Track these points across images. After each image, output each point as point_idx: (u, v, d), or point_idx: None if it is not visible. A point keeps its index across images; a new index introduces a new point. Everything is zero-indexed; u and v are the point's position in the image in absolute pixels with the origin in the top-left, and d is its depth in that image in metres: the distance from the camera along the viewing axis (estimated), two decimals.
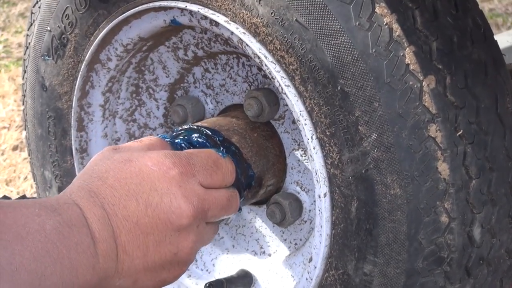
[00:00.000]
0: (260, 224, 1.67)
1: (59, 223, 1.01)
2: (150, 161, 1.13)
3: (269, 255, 1.65)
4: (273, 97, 1.50)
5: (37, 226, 0.98)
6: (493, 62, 1.27)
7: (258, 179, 1.50)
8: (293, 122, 1.51)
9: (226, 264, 1.70)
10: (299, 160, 1.53)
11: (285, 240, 1.62)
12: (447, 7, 1.23)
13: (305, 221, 1.55)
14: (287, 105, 1.49)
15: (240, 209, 1.43)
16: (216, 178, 1.20)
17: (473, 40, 1.24)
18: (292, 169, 1.54)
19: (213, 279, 1.65)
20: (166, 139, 1.30)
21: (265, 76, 1.55)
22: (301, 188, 1.54)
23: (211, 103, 1.67)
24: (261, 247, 1.67)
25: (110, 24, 1.55)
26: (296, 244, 1.60)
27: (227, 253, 1.72)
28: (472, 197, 1.21)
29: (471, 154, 1.20)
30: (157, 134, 1.78)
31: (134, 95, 1.73)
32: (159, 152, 1.15)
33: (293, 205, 1.52)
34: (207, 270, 1.73)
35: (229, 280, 1.63)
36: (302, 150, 1.52)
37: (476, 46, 1.24)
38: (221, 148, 1.35)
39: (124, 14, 1.52)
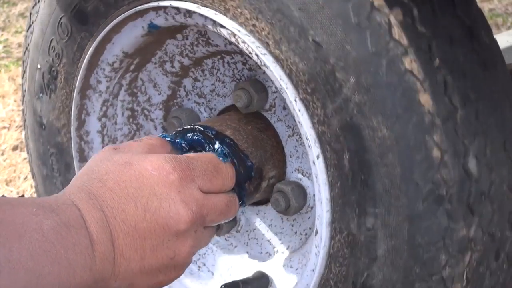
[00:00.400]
0: (270, 223, 1.65)
1: (57, 223, 1.01)
2: (150, 165, 1.13)
3: (283, 252, 1.63)
4: (260, 85, 1.51)
5: (35, 225, 0.99)
6: None
7: (258, 170, 1.49)
8: (284, 108, 1.51)
9: (242, 270, 1.68)
10: (296, 146, 1.52)
11: (295, 233, 1.60)
12: None
13: (311, 207, 1.53)
14: (275, 92, 1.49)
15: (243, 204, 1.42)
16: (216, 183, 1.20)
17: None
18: (291, 157, 1.54)
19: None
20: (167, 138, 1.31)
21: (250, 69, 1.56)
22: (302, 174, 1.53)
23: (205, 111, 1.68)
24: (274, 247, 1.64)
25: (93, 45, 1.58)
26: (306, 234, 1.57)
27: (241, 260, 1.69)
28: (461, 127, 1.19)
29: (451, 83, 1.19)
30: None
31: (131, 119, 1.74)
32: (159, 155, 1.15)
33: (295, 191, 1.51)
34: (224, 281, 1.70)
35: (245, 281, 1.60)
36: (297, 135, 1.51)
37: None
38: (220, 150, 1.35)
39: (104, 31, 1.54)
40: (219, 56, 1.60)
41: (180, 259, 1.14)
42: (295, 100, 1.28)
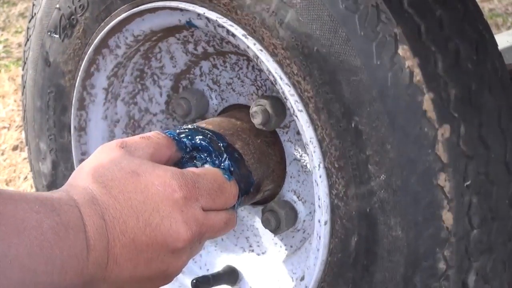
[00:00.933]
0: (252, 223, 1.68)
1: (57, 223, 1.02)
2: (157, 180, 1.13)
3: (258, 254, 1.66)
4: (280, 105, 1.49)
5: (35, 223, 0.99)
6: (508, 109, 1.27)
7: (257, 185, 1.50)
8: (298, 133, 1.51)
9: (214, 258, 1.72)
10: (299, 171, 1.53)
11: (276, 244, 1.63)
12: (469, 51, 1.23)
13: (298, 230, 1.57)
14: (293, 115, 1.48)
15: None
16: (219, 202, 1.21)
17: (491, 87, 1.24)
18: (291, 177, 1.55)
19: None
20: (172, 135, 1.29)
21: (273, 83, 1.53)
22: (297, 197, 1.55)
23: (216, 99, 1.66)
24: (250, 246, 1.68)
25: (123, 14, 1.53)
26: (286, 250, 1.61)
27: (215, 246, 1.73)
28: (471, 246, 1.23)
29: (476, 204, 1.21)
30: (157, 120, 1.77)
31: (138, 79, 1.71)
32: (167, 170, 1.15)
33: (288, 214, 1.53)
34: (194, 262, 1.74)
35: (215, 276, 1.64)
36: (304, 162, 1.52)
37: (493, 93, 1.24)
38: (227, 165, 1.35)
39: (139, 7, 1.49)
40: (245, 58, 1.57)
41: (171, 271, 1.16)
42: (319, 166, 1.28)
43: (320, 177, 1.28)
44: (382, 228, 1.23)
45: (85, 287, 1.08)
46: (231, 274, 1.67)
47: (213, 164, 1.37)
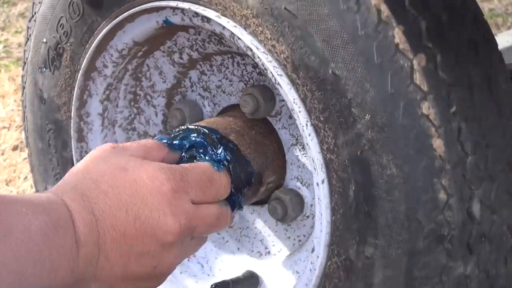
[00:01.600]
0: (264, 224, 1.67)
1: (46, 223, 1.01)
2: (145, 173, 1.13)
3: (274, 254, 1.65)
4: (269, 93, 1.51)
5: (22, 226, 0.99)
6: (485, 42, 1.28)
7: (258, 175, 1.50)
8: (290, 117, 1.52)
9: (232, 267, 1.70)
10: (297, 155, 1.53)
11: (289, 238, 1.62)
12: None
13: (307, 216, 1.56)
14: (283, 100, 1.50)
15: (241, 208, 1.43)
16: (209, 193, 1.21)
17: (463, 20, 1.25)
18: (291, 164, 1.55)
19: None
20: (163, 141, 1.31)
21: (260, 73, 1.56)
22: (301, 183, 1.54)
23: (209, 106, 1.68)
24: (266, 248, 1.67)
25: (104, 30, 1.57)
26: (300, 240, 1.60)
27: (232, 256, 1.72)
28: (469, 173, 1.21)
29: (465, 130, 1.20)
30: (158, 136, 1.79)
31: (132, 103, 1.74)
32: (155, 164, 1.16)
33: (294, 200, 1.52)
34: (213, 275, 1.73)
35: (235, 281, 1.63)
36: (300, 145, 1.52)
37: (466, 24, 1.25)
38: (221, 156, 1.36)
39: (118, 18, 1.53)
40: (229, 55, 1.60)
41: (163, 268, 1.15)
42: (306, 124, 1.29)
43: (309, 135, 1.28)
44: (376, 169, 1.22)
45: (76, 285, 1.07)
46: (251, 279, 1.65)
47: (211, 158, 1.38)
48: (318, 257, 1.36)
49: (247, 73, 1.58)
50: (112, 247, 1.08)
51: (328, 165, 1.28)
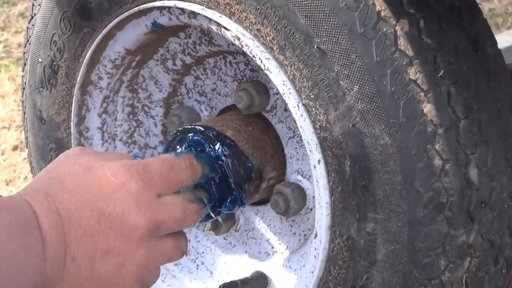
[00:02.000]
0: (269, 223, 1.66)
1: (10, 222, 1.01)
2: (109, 171, 1.13)
3: (282, 252, 1.64)
4: (262, 86, 1.51)
5: None
6: (468, 8, 1.28)
7: (258, 171, 1.50)
8: (285, 110, 1.52)
9: (241, 270, 1.69)
10: (296, 148, 1.53)
11: (294, 234, 1.61)
12: None
13: (311, 209, 1.54)
14: (277, 93, 1.50)
15: (243, 205, 1.43)
16: (172, 179, 1.19)
17: None
18: (291, 158, 1.54)
19: None
20: (137, 158, 1.28)
21: (252, 69, 1.56)
22: (302, 176, 1.54)
23: (206, 110, 1.69)
24: (273, 247, 1.65)
25: (96, 41, 1.58)
26: (305, 235, 1.58)
27: (240, 259, 1.70)
28: (463, 138, 1.20)
29: (455, 94, 1.20)
30: (158, 153, 1.79)
31: (131, 116, 1.75)
32: (119, 162, 1.15)
33: (295, 192, 1.52)
34: (222, 280, 1.71)
35: (244, 281, 1.61)
36: (297, 137, 1.52)
37: None
38: (220, 151, 1.37)
39: (108, 27, 1.55)
40: (221, 56, 1.61)
41: (130, 268, 1.13)
42: (298, 105, 1.28)
43: (302, 116, 1.28)
44: (369, 141, 1.22)
45: None
46: (259, 279, 1.64)
47: (209, 155, 1.38)
48: (321, 241, 1.34)
49: (240, 72, 1.59)
50: (78, 246, 1.07)
51: (322, 143, 1.28)
